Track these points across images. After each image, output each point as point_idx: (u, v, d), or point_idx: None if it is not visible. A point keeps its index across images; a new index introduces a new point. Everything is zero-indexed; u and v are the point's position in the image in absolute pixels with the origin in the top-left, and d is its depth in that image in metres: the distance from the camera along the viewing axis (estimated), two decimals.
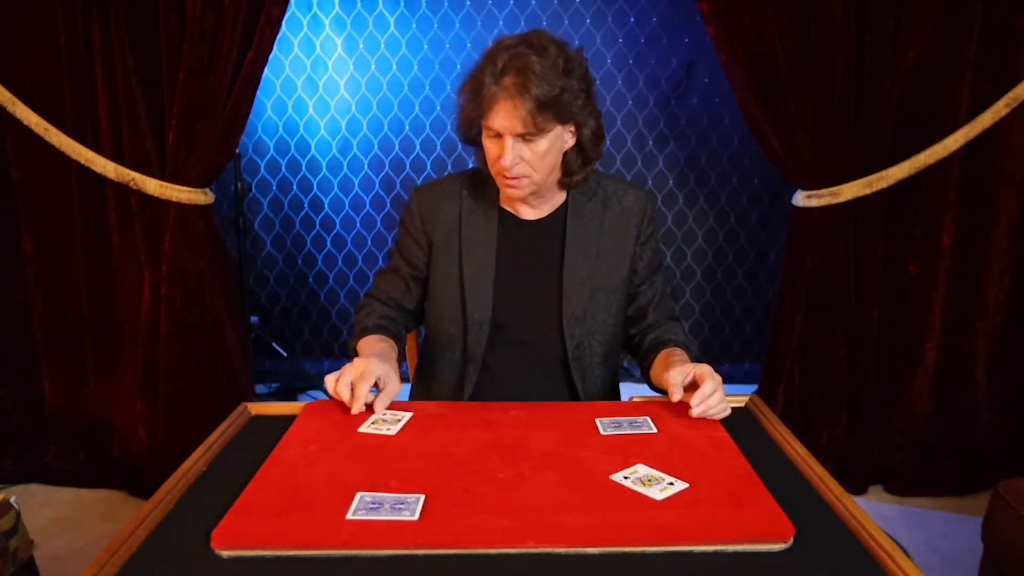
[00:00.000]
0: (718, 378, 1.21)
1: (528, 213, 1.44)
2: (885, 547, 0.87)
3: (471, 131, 1.36)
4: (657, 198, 3.10)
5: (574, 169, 1.38)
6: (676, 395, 1.20)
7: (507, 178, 1.31)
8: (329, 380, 1.22)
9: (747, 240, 3.17)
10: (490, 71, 1.26)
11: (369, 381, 1.21)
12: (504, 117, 1.25)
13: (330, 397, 1.24)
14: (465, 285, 1.41)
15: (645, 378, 1.46)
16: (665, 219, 3.14)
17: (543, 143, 1.28)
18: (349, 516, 0.91)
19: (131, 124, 2.24)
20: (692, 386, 1.22)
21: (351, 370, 1.22)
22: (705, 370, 1.21)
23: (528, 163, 1.29)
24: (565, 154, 1.35)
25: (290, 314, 3.27)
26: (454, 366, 1.45)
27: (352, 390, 1.21)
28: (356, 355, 1.35)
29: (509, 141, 1.27)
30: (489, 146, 1.31)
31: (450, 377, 1.46)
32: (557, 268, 1.42)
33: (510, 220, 1.44)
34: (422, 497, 0.95)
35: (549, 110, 1.25)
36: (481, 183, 1.45)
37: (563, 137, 1.32)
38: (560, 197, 1.44)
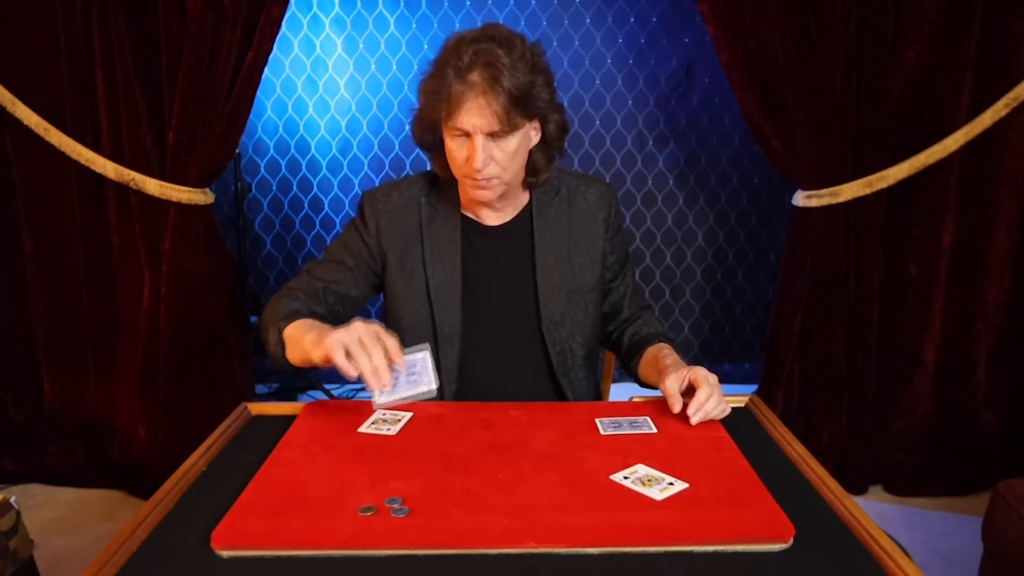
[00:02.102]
0: (713, 380, 1.18)
1: (492, 219, 1.38)
2: (885, 547, 0.87)
3: (430, 135, 1.29)
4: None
5: (540, 167, 1.33)
6: (677, 406, 1.18)
7: (477, 181, 1.24)
8: (344, 359, 1.07)
9: (747, 240, 3.17)
10: (454, 67, 1.19)
11: (388, 336, 1.10)
12: (475, 115, 1.18)
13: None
14: (432, 299, 1.34)
15: (631, 375, 1.45)
16: (665, 219, 3.14)
17: (513, 141, 1.23)
18: (375, 406, 1.02)
19: (131, 124, 2.24)
20: (690, 389, 1.20)
21: (364, 335, 1.08)
22: (699, 374, 1.18)
23: (498, 163, 1.23)
24: (530, 152, 1.30)
25: None
26: None
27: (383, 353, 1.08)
28: (282, 345, 1.24)
29: (479, 140, 1.20)
30: (455, 148, 1.24)
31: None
32: (530, 274, 1.37)
33: (473, 228, 1.38)
34: (426, 352, 1.04)
35: (521, 105, 1.20)
36: (439, 188, 1.38)
37: (529, 134, 1.27)
38: (523, 198, 1.39)
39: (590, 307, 1.41)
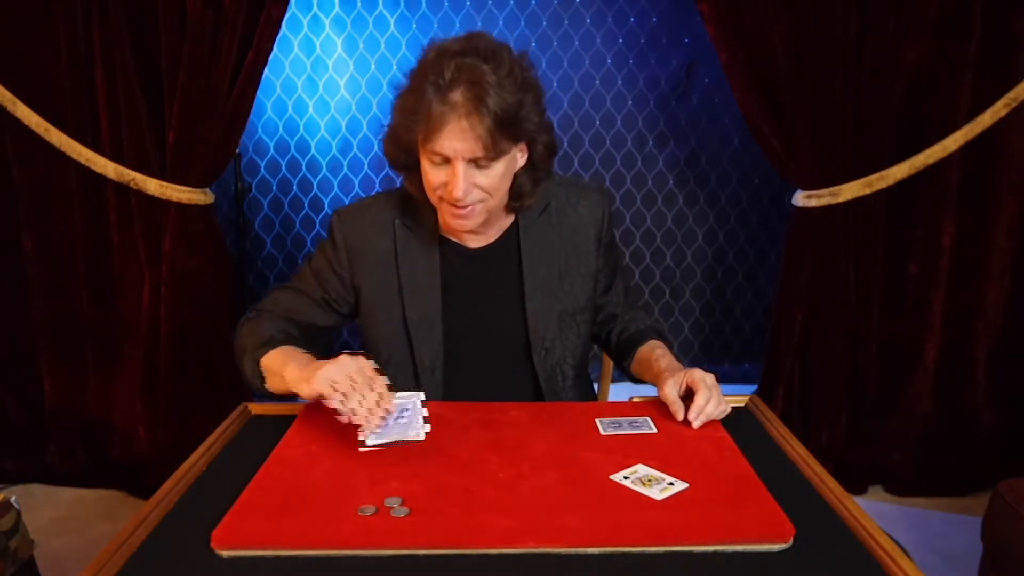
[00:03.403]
0: (710, 380, 1.16)
1: (474, 241, 1.30)
2: (885, 547, 0.87)
3: (403, 155, 1.20)
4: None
5: (525, 192, 1.23)
6: (680, 414, 1.15)
7: (456, 209, 1.15)
8: (337, 399, 1.02)
9: (747, 240, 3.17)
10: (433, 84, 1.08)
11: (378, 377, 1.04)
12: (456, 140, 1.08)
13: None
14: (411, 332, 1.27)
15: (621, 370, 1.42)
16: (665, 219, 3.14)
17: (499, 167, 1.13)
18: (363, 447, 0.96)
19: (131, 124, 2.24)
20: (689, 392, 1.18)
21: (355, 372, 1.02)
22: (696, 377, 1.15)
23: (482, 189, 1.14)
24: (515, 175, 1.21)
25: None
26: None
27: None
28: (260, 375, 1.21)
29: (460, 167, 1.10)
30: (432, 173, 1.14)
31: None
32: (517, 299, 1.29)
33: (453, 250, 1.30)
34: (417, 397, 1.00)
35: (507, 128, 1.09)
36: (414, 208, 1.29)
37: (515, 157, 1.18)
38: (507, 219, 1.31)
39: (581, 327, 1.35)
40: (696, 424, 1.15)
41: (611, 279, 1.42)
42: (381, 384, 1.03)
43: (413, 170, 1.22)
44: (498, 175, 1.15)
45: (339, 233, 1.31)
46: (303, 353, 1.16)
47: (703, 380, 1.16)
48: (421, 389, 1.05)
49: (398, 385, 1.30)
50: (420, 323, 1.28)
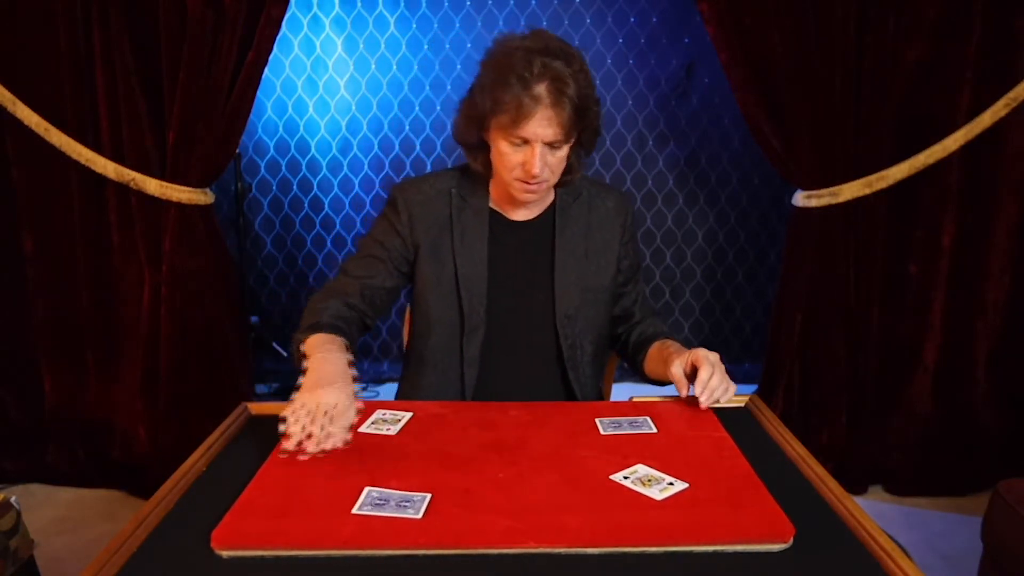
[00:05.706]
0: (714, 358, 1.24)
1: (519, 214, 1.45)
2: (885, 547, 0.87)
3: (474, 136, 1.35)
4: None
5: (574, 167, 1.39)
6: (684, 390, 1.23)
7: (529, 184, 1.31)
8: (295, 422, 1.06)
9: (747, 240, 3.17)
10: (519, 78, 1.23)
11: (342, 421, 1.08)
12: (541, 126, 1.24)
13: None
14: (461, 287, 1.40)
15: (637, 372, 1.50)
16: (665, 219, 3.14)
17: (565, 148, 1.31)
18: (355, 511, 0.91)
19: (131, 124, 2.24)
20: (694, 374, 1.25)
21: (324, 407, 1.06)
22: (700, 354, 1.24)
23: (550, 168, 1.31)
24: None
25: (290, 314, 3.27)
26: (451, 370, 1.41)
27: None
28: (300, 357, 1.24)
29: (539, 148, 1.27)
30: (510, 153, 1.29)
31: (447, 382, 1.42)
32: (548, 269, 1.43)
33: (500, 221, 1.44)
34: (428, 496, 0.95)
35: (580, 117, 1.27)
36: (469, 183, 1.44)
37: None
38: (549, 198, 1.46)
39: (602, 307, 1.47)
40: (703, 400, 1.20)
41: (631, 273, 1.53)
42: (340, 427, 1.06)
43: (479, 150, 1.38)
44: (562, 156, 1.32)
45: (400, 198, 1.43)
46: (331, 354, 1.19)
47: (706, 357, 1.24)
48: (431, 494, 0.98)
49: (445, 343, 1.41)
50: (470, 278, 1.40)
